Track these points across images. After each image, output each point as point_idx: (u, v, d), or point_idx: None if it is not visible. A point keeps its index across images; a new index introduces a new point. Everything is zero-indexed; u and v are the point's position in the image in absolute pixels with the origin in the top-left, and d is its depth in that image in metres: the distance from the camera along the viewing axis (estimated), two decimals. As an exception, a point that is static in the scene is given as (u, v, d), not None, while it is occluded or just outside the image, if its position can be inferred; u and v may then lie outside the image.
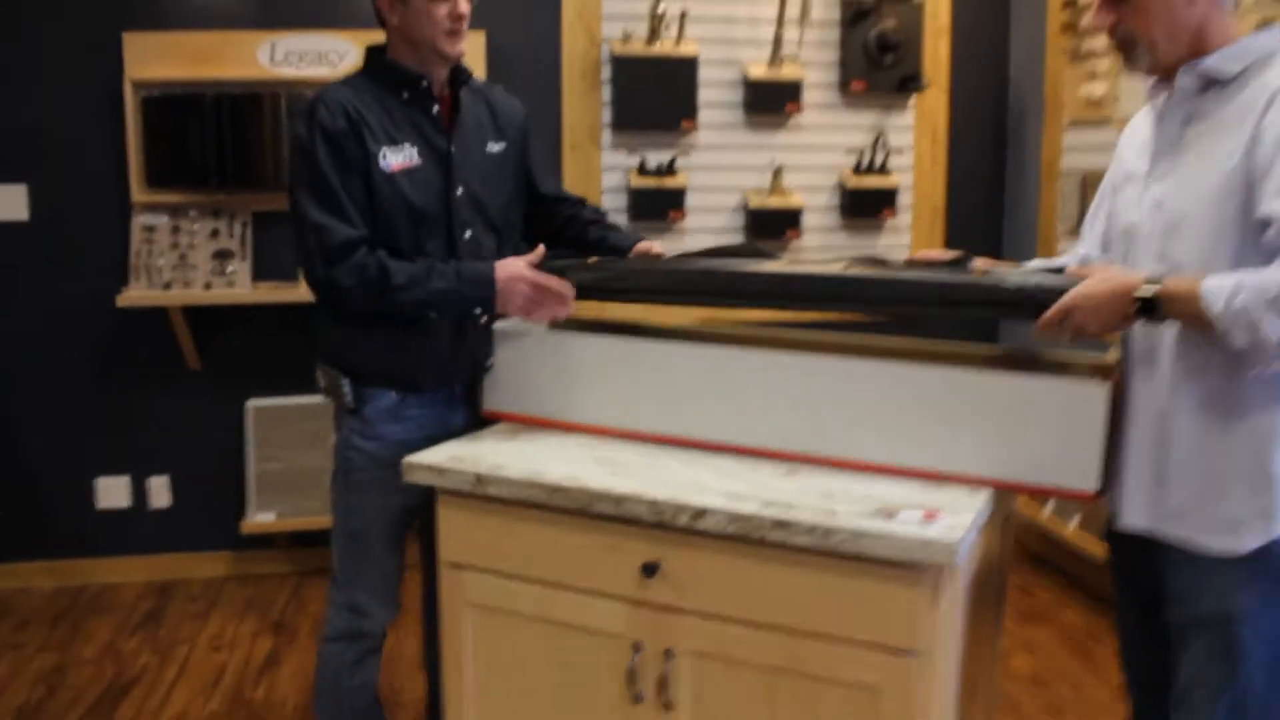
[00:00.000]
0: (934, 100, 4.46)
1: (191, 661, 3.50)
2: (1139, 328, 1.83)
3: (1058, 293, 1.81)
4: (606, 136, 4.22)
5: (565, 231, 2.60)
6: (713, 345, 2.22)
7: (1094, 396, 1.87)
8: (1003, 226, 4.68)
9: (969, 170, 4.59)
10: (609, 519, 1.98)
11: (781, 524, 1.81)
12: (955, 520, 1.78)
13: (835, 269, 2.16)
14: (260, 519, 4.06)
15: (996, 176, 4.66)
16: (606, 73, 4.18)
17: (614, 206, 4.23)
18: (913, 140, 4.46)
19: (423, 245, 2.31)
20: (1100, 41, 3.88)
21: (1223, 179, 1.72)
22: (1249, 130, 1.70)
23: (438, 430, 2.39)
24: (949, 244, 4.53)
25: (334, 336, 2.35)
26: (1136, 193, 1.90)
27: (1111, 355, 2.03)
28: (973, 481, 1.97)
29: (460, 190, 2.35)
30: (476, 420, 2.47)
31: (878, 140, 4.37)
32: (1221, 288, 1.63)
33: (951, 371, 2.00)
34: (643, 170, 4.19)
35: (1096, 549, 3.68)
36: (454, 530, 2.18)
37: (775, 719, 1.91)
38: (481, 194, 2.40)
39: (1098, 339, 1.84)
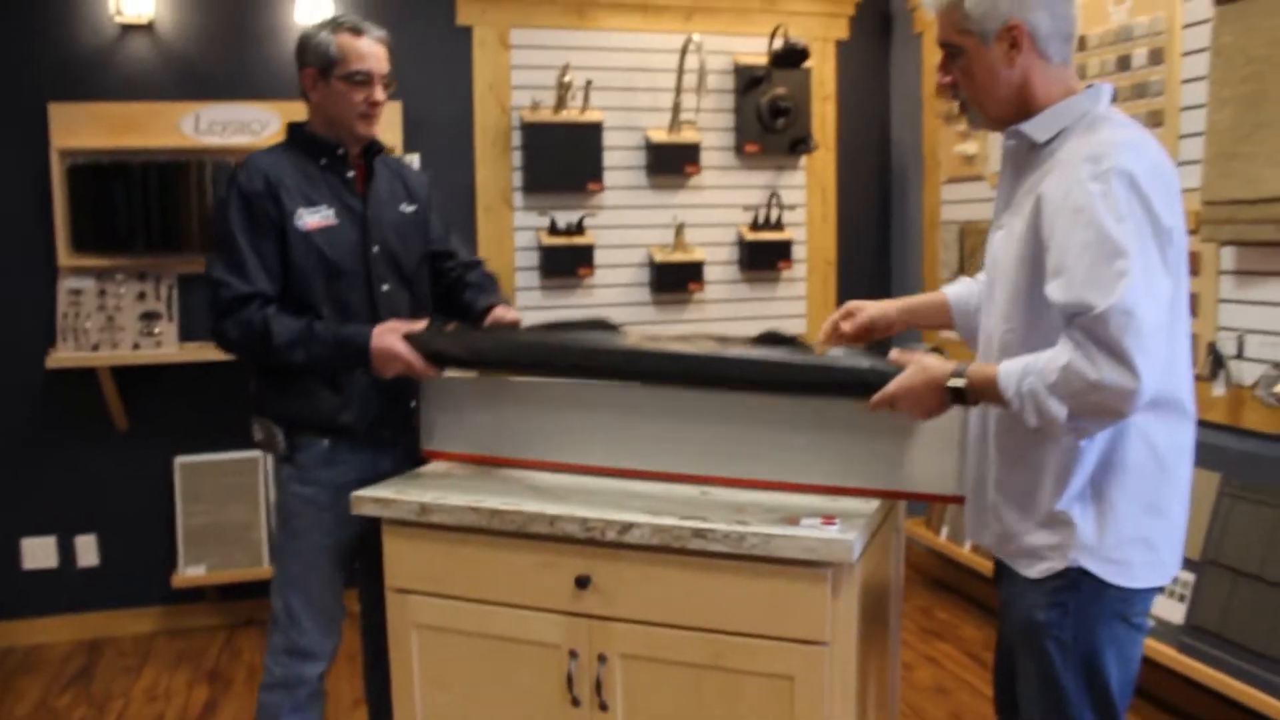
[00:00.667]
0: (823, 160, 4.81)
1: (128, 714, 3.58)
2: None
3: (887, 376, 1.98)
4: (518, 198, 4.47)
5: (451, 291, 2.76)
6: (628, 382, 2.45)
7: (952, 416, 2.11)
8: (890, 274, 5.04)
9: (857, 224, 4.95)
10: (543, 538, 2.20)
11: (700, 533, 2.05)
12: (850, 524, 2.04)
13: (680, 347, 2.27)
14: (190, 573, 4.16)
15: (883, 229, 5.03)
16: (517, 139, 4.45)
17: (526, 264, 4.48)
18: (805, 197, 4.81)
19: (343, 298, 2.49)
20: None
21: (1019, 245, 1.85)
22: (1029, 219, 1.81)
23: (369, 473, 2.52)
24: (841, 291, 4.88)
25: (266, 389, 2.52)
26: (993, 235, 2.02)
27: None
28: (862, 493, 2.23)
29: (376, 248, 2.54)
30: (406, 462, 2.60)
31: (772, 198, 4.69)
32: (1011, 373, 1.75)
33: (840, 399, 2.27)
34: (553, 230, 4.45)
35: (989, 567, 3.98)
36: (400, 557, 2.37)
37: (702, 712, 2.14)
38: (397, 251, 2.59)
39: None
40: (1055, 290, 1.73)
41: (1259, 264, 3.04)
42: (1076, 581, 1.87)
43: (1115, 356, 1.64)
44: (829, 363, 2.14)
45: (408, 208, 2.65)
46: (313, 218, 2.46)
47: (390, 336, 2.40)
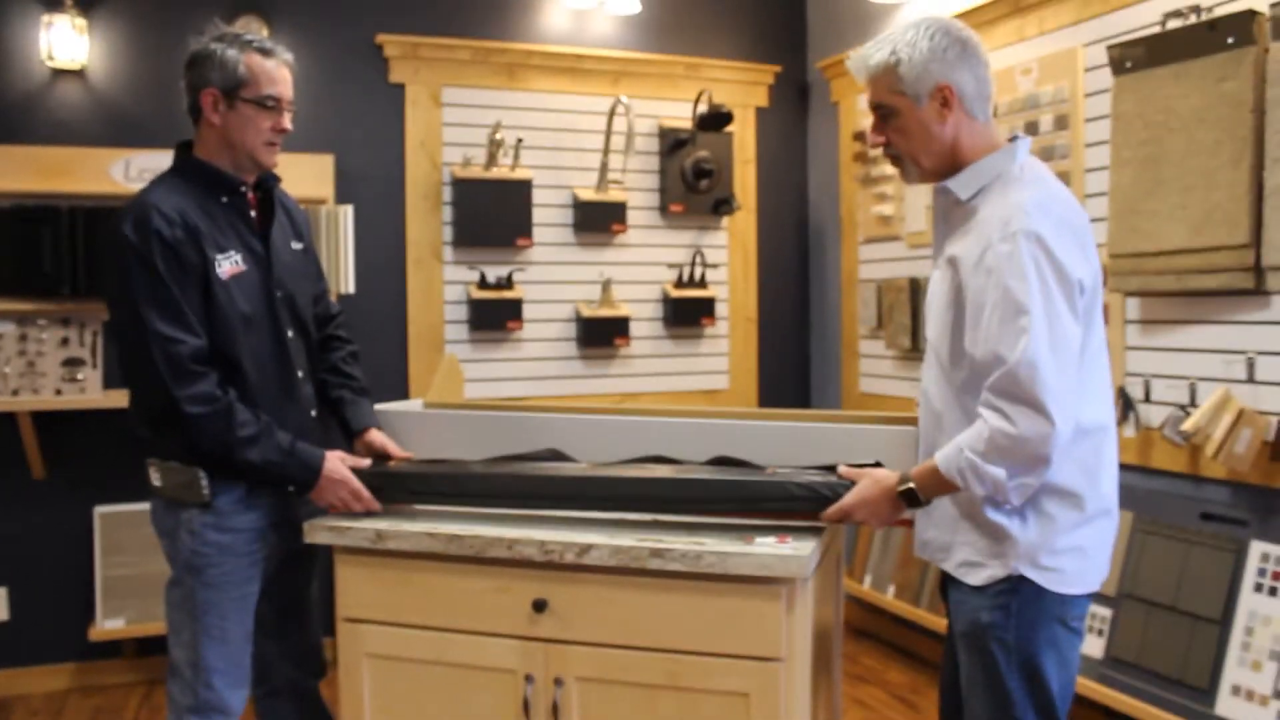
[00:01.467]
0: (744, 221, 4.98)
1: (40, 770, 3.47)
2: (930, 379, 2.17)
3: (840, 489, 2.13)
4: (448, 252, 4.53)
5: (318, 366, 2.62)
6: (574, 414, 2.51)
7: (906, 437, 2.27)
8: (809, 331, 5.20)
9: (778, 282, 5.11)
10: (500, 563, 2.23)
11: (658, 552, 2.11)
12: (802, 542, 2.12)
13: (636, 472, 2.31)
14: (110, 625, 4.05)
15: (802, 287, 5.20)
16: (448, 194, 4.52)
17: (456, 318, 4.53)
18: (727, 256, 4.96)
19: (254, 350, 2.34)
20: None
21: (945, 291, 2.03)
22: (950, 278, 2.00)
23: (285, 516, 2.43)
24: (762, 347, 5.02)
25: (212, 444, 2.28)
26: (931, 276, 2.19)
27: None
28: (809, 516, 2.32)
29: (279, 293, 2.40)
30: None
31: (696, 256, 4.83)
32: (948, 456, 1.94)
33: (787, 425, 2.37)
34: (483, 284, 4.51)
35: (915, 613, 4.10)
36: (352, 587, 2.37)
37: (657, 732, 2.18)
38: (295, 294, 2.46)
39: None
40: (970, 345, 1.94)
41: (1162, 313, 3.24)
42: (1017, 586, 1.99)
43: (1028, 406, 1.84)
44: (784, 479, 2.21)
45: (297, 245, 2.53)
46: (227, 264, 2.31)
47: (342, 465, 2.37)
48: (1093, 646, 3.30)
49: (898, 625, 4.41)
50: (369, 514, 2.40)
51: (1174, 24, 3.16)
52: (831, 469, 2.23)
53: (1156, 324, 3.27)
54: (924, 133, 2.02)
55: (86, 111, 4.11)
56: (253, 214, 2.41)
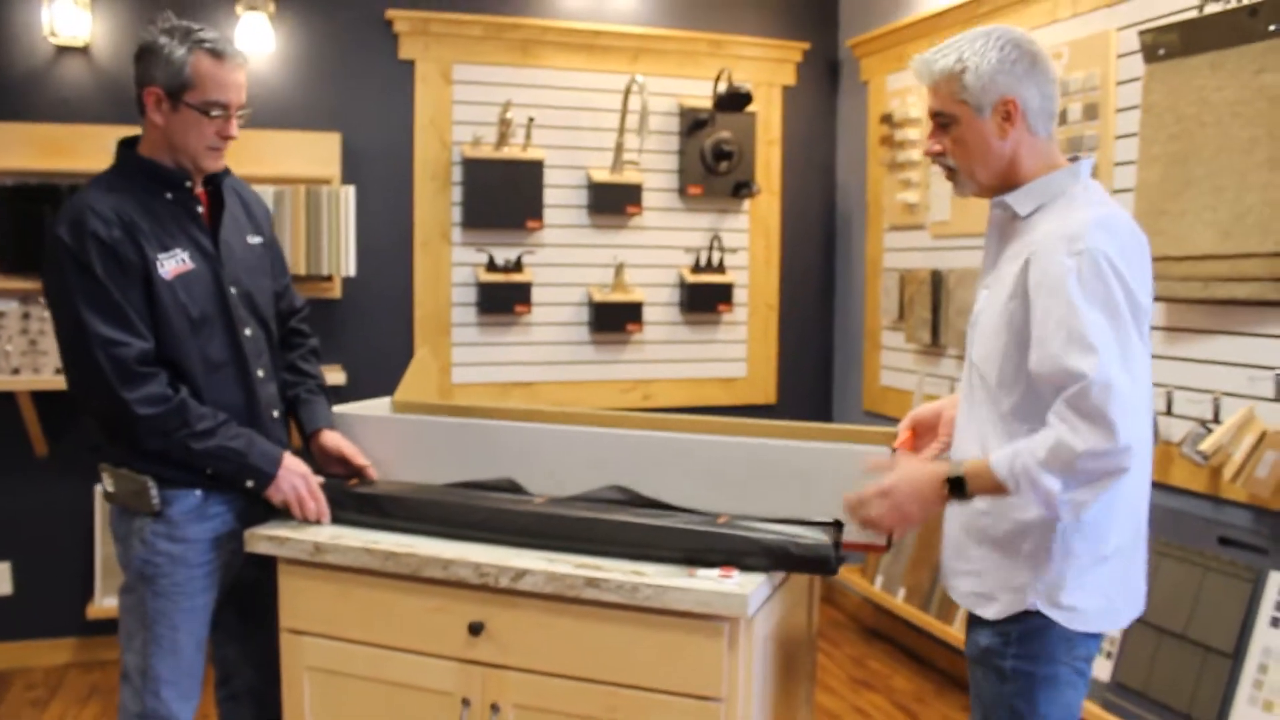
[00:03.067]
0: (767, 205, 4.80)
1: (28, 751, 3.47)
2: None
3: (813, 546, 2.00)
4: (457, 234, 4.42)
5: (280, 364, 2.55)
6: (533, 423, 2.40)
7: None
8: (833, 320, 5.02)
9: (800, 268, 4.93)
10: (438, 583, 2.14)
11: (593, 582, 1.99)
12: (747, 578, 1.98)
13: (590, 512, 2.20)
14: (108, 603, 4.04)
15: (826, 274, 5.02)
16: (457, 174, 4.40)
17: (463, 300, 4.43)
18: (747, 241, 4.79)
19: (205, 350, 2.26)
20: (915, 152, 4.27)
21: (1002, 309, 1.93)
22: (1012, 285, 1.90)
23: (241, 525, 2.34)
24: (782, 335, 4.85)
25: (167, 442, 2.21)
26: (979, 294, 2.09)
27: (899, 428, 2.30)
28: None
29: (234, 290, 2.32)
30: (279, 513, 2.37)
31: (714, 241, 4.67)
32: (1002, 458, 1.83)
33: (756, 443, 2.23)
34: (491, 266, 4.40)
35: (923, 619, 3.94)
36: (293, 597, 2.29)
37: (594, 764, 2.07)
38: (252, 290, 2.38)
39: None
40: (1035, 362, 1.84)
41: (1186, 321, 3.03)
42: (1024, 617, 1.93)
43: (1097, 424, 1.74)
44: (748, 532, 2.08)
45: (254, 239, 2.44)
46: (171, 264, 2.21)
47: (302, 463, 2.34)
48: (1100, 669, 3.12)
49: (908, 629, 4.25)
50: (318, 522, 2.34)
51: (1212, 8, 2.92)
52: (798, 522, 2.14)
53: (1180, 332, 3.06)
54: (983, 145, 1.95)
55: (89, 88, 4.05)
56: (201, 209, 2.32)
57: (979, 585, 2.00)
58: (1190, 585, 2.96)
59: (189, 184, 2.28)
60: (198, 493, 2.29)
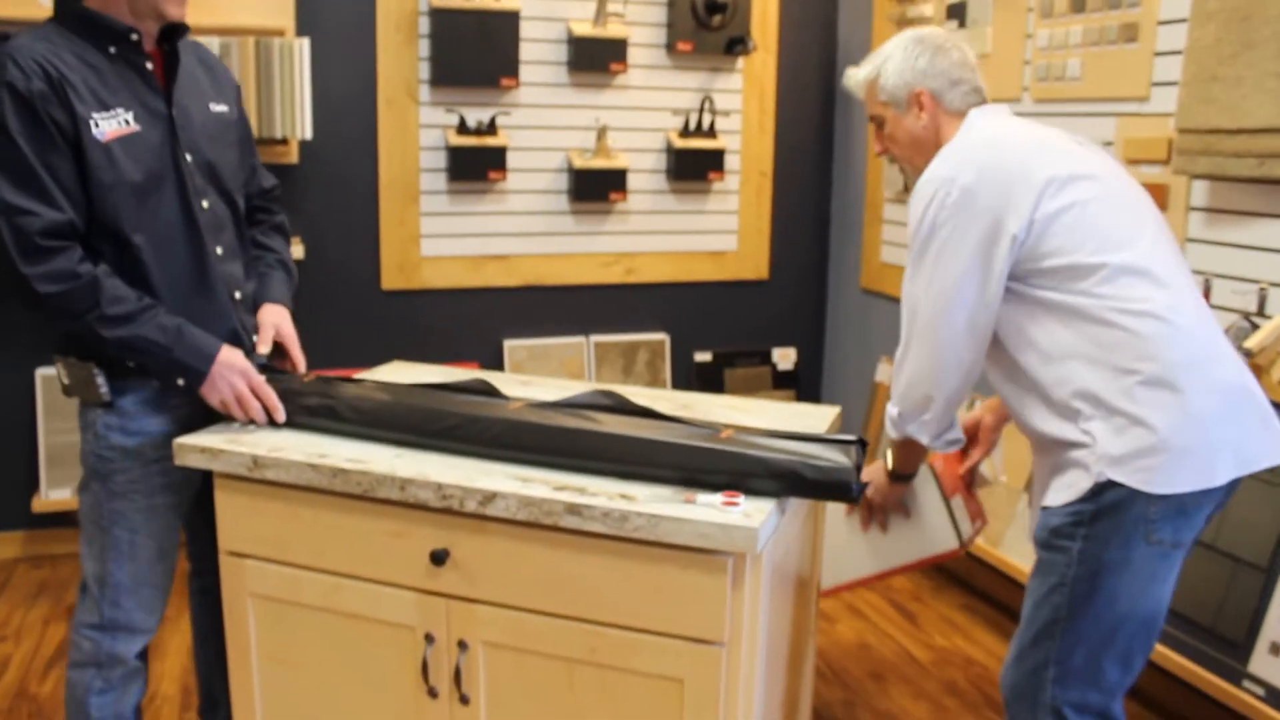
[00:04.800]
0: (762, 63, 4.40)
1: (-33, 655, 3.24)
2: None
3: (831, 470, 1.78)
4: (424, 92, 4.02)
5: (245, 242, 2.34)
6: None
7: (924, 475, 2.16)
8: (831, 191, 4.68)
9: (797, 135, 4.56)
10: (396, 504, 1.86)
11: (575, 508, 1.72)
12: (755, 505, 1.71)
13: (575, 422, 1.94)
14: (54, 496, 3.78)
15: (824, 140, 4.64)
16: (424, 26, 3.98)
17: (432, 166, 4.06)
18: (741, 103, 4.40)
19: (155, 222, 2.03)
20: (926, 8, 3.88)
21: None
22: None
23: (203, 420, 2.14)
24: (775, 206, 4.52)
25: (78, 324, 2.00)
26: None
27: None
28: (869, 581, 2.26)
29: (189, 156, 2.09)
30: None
31: (705, 102, 4.29)
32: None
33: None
34: (462, 128, 4.02)
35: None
36: (233, 517, 2.03)
37: (576, 711, 1.84)
38: (214, 159, 2.15)
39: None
40: None
41: (1235, 202, 2.72)
42: (1097, 493, 1.84)
43: (908, 345, 2.03)
44: (756, 450, 1.80)
45: (218, 107, 2.19)
46: (110, 125, 1.96)
47: (243, 358, 2.08)
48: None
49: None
50: (271, 424, 2.09)
51: None
52: (804, 437, 1.93)
53: (1226, 214, 2.75)
54: (909, 137, 2.14)
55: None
56: (150, 67, 2.05)
57: (1048, 478, 1.96)
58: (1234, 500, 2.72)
59: (135, 36, 2.01)
60: (153, 383, 2.09)
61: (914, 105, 2.10)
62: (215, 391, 2.05)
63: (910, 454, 2.19)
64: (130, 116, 2.00)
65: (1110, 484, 1.83)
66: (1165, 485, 1.81)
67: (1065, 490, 1.90)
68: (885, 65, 2.13)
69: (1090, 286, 1.85)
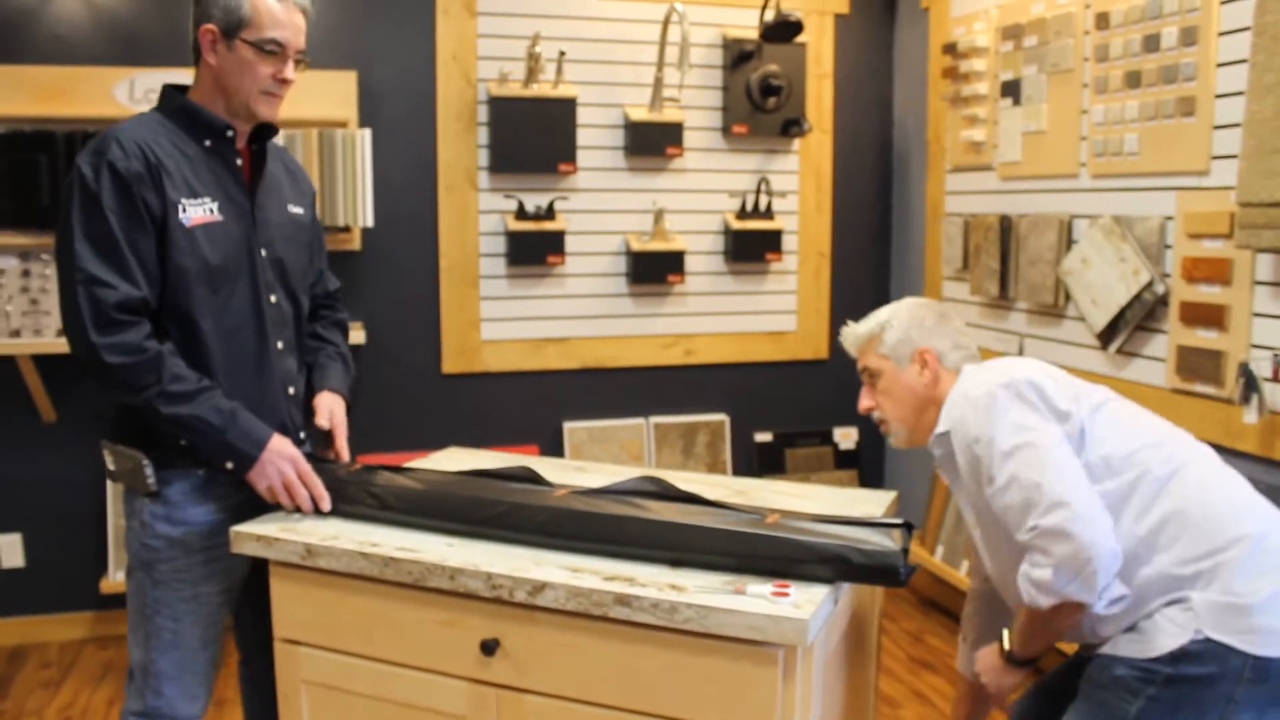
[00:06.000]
0: (818, 143, 4.43)
1: (34, 736, 3.27)
2: None
3: (873, 553, 1.75)
4: (484, 179, 4.10)
5: (306, 341, 2.42)
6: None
7: None
8: (890, 269, 4.66)
9: (854, 213, 4.56)
10: (446, 593, 1.86)
11: (624, 599, 1.70)
12: (806, 596, 1.68)
13: (618, 509, 1.92)
14: (121, 577, 3.83)
15: (882, 219, 4.64)
16: (483, 114, 4.07)
17: (491, 251, 4.13)
18: (797, 183, 4.42)
19: (223, 311, 2.10)
20: (980, 87, 3.89)
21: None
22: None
23: (248, 509, 2.15)
24: (835, 286, 4.51)
25: (127, 410, 2.08)
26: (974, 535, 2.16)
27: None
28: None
29: (264, 252, 2.18)
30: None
31: (761, 183, 4.32)
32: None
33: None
34: (521, 214, 4.08)
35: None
36: (287, 604, 2.04)
37: (624, 804, 1.80)
38: (285, 257, 2.23)
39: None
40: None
41: (1299, 276, 2.67)
42: (1183, 656, 1.78)
43: (1054, 526, 1.81)
44: (803, 536, 1.79)
45: (295, 209, 2.29)
46: (197, 211, 2.06)
47: (293, 446, 2.12)
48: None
49: (973, 605, 3.94)
50: (316, 513, 2.11)
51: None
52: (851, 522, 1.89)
53: (1292, 288, 2.69)
54: (909, 392, 2.15)
55: (87, 27, 3.75)
56: (240, 163, 2.16)
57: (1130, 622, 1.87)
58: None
59: (231, 133, 2.13)
60: (199, 472, 2.12)
61: (916, 361, 2.14)
62: (264, 477, 2.08)
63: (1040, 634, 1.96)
64: (216, 206, 2.09)
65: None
66: None
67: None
68: (890, 322, 2.18)
69: None
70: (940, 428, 2.07)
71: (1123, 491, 1.85)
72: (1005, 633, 2.04)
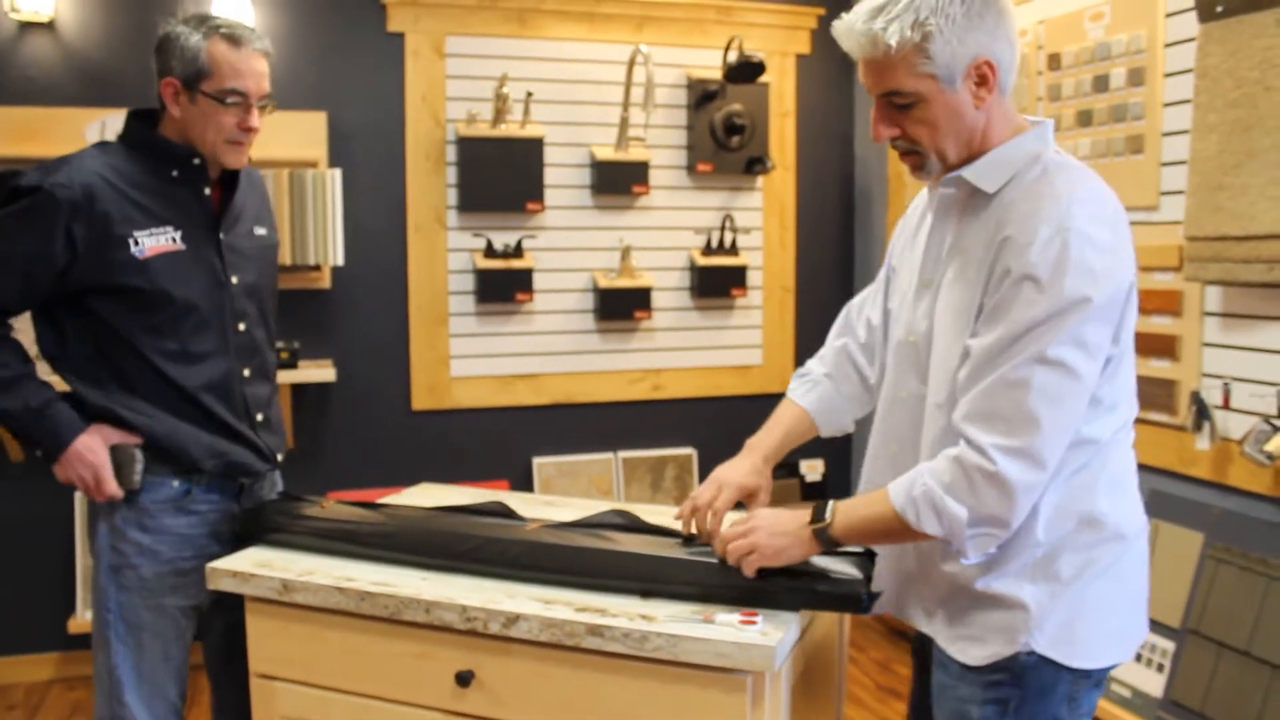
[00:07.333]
0: (781, 181, 4.52)
1: (1, 780, 3.25)
2: None
3: (848, 583, 1.76)
4: (452, 217, 4.15)
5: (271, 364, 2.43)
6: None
7: None
8: (852, 303, 4.74)
9: (818, 248, 4.65)
10: (421, 626, 1.89)
11: (596, 629, 1.74)
12: (773, 623, 1.73)
13: (589, 541, 1.96)
14: (89, 617, 3.82)
15: (845, 254, 4.73)
16: (452, 154, 4.13)
17: (460, 289, 4.17)
18: (761, 220, 4.51)
19: (190, 342, 2.12)
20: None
21: (965, 313, 1.66)
22: (986, 270, 1.62)
23: (222, 525, 2.20)
24: (799, 320, 4.58)
25: (108, 416, 2.10)
26: (908, 303, 1.81)
27: None
28: None
29: (235, 279, 2.19)
30: (275, 525, 2.20)
31: (726, 220, 4.40)
32: (900, 483, 1.64)
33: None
34: (489, 252, 4.14)
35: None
36: (263, 639, 2.05)
37: (599, 832, 1.83)
38: (256, 282, 2.24)
39: None
40: (976, 344, 1.60)
41: (1248, 306, 2.76)
42: (1024, 670, 1.67)
43: (1019, 445, 1.54)
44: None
45: (261, 230, 2.30)
46: (154, 240, 2.06)
47: (102, 448, 2.08)
48: (1152, 684, 2.87)
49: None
50: (268, 543, 2.16)
51: (1275, -41, 2.63)
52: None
53: (1241, 319, 2.78)
54: (955, 121, 1.61)
55: (57, 68, 3.78)
56: (209, 191, 2.17)
57: (963, 626, 1.74)
58: (1253, 597, 2.70)
59: (197, 161, 2.13)
60: (175, 483, 2.16)
61: (971, 79, 1.59)
62: (62, 471, 2.10)
63: (881, 529, 1.69)
64: (179, 235, 2.10)
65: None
66: None
67: None
68: (938, 22, 1.54)
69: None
70: (983, 183, 1.63)
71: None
72: (830, 506, 1.70)
